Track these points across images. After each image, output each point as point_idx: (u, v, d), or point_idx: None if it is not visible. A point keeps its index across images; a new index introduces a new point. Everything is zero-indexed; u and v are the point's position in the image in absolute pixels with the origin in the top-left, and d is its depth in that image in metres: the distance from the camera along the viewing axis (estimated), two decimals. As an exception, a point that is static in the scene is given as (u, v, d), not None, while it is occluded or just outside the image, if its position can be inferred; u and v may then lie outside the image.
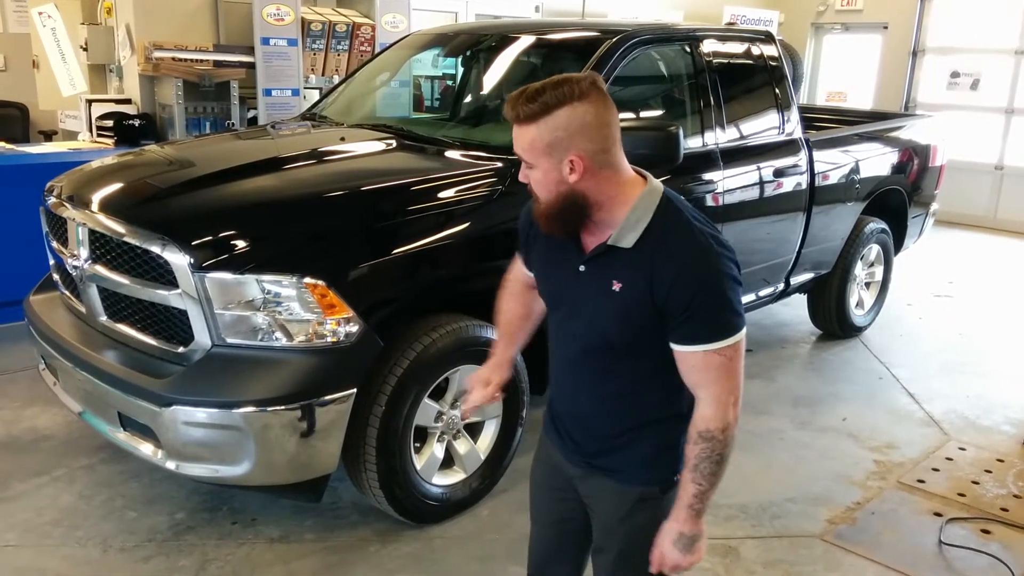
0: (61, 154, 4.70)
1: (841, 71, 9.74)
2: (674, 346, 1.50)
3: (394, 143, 3.38)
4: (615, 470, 1.64)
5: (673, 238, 1.47)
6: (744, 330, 1.50)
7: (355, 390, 2.53)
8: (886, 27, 9.18)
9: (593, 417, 1.65)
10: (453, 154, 3.22)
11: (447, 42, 4.27)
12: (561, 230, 1.53)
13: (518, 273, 1.83)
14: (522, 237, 1.74)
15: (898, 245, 5.19)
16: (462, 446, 2.92)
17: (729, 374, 1.49)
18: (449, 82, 5.12)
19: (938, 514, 3.11)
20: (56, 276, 3.16)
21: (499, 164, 3.03)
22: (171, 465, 2.53)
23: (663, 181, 1.56)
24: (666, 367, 1.52)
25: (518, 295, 1.84)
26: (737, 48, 4.05)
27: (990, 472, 3.46)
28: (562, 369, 1.67)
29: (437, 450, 2.85)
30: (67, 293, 3.04)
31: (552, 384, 1.73)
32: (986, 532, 3.02)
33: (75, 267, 2.82)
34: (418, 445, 2.80)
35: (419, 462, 2.79)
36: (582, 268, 1.54)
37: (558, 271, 1.60)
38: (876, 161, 4.73)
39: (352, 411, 2.54)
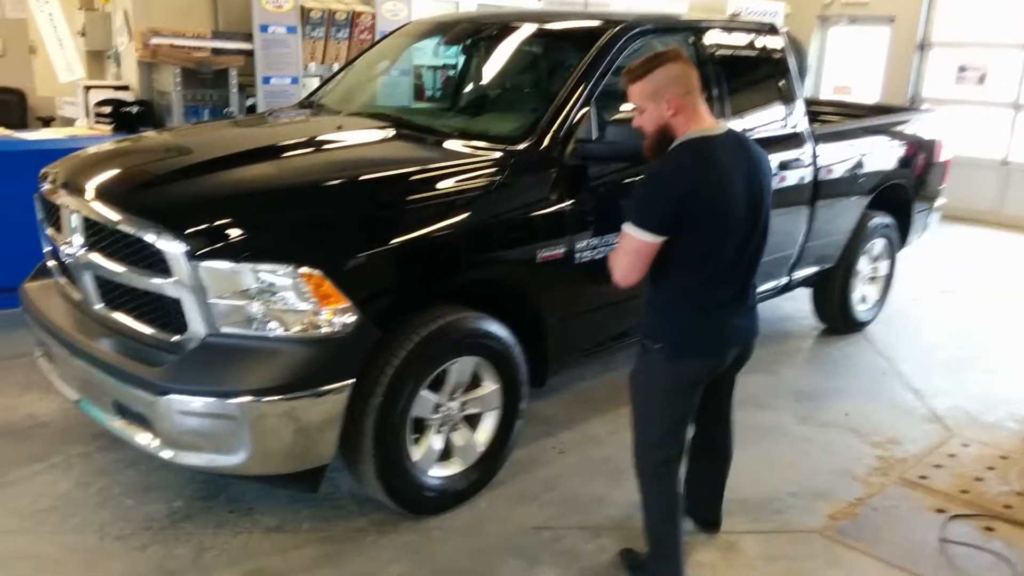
0: (58, 140, 4.66)
1: (847, 64, 9.66)
2: None
3: (392, 132, 3.34)
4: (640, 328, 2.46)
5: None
6: (637, 232, 2.17)
7: (352, 381, 2.50)
8: (893, 20, 9.10)
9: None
10: (452, 144, 3.18)
11: (448, 31, 4.22)
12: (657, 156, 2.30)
13: None
14: None
15: (903, 240, 5.15)
16: (460, 438, 2.90)
17: (617, 250, 2.26)
18: (451, 72, 5.07)
19: (941, 511, 3.09)
20: (51, 263, 3.13)
21: (498, 154, 2.99)
22: (167, 454, 2.51)
23: None
24: (664, 260, 2.23)
25: None
26: (741, 40, 4.00)
27: (993, 469, 3.43)
28: None
29: (435, 441, 2.83)
30: (62, 280, 3.02)
31: None
32: (989, 529, 2.99)
33: (69, 255, 2.79)
34: (416, 436, 2.78)
35: (417, 453, 2.77)
36: None
37: None
38: (881, 155, 4.68)
39: (350, 401, 2.51)
